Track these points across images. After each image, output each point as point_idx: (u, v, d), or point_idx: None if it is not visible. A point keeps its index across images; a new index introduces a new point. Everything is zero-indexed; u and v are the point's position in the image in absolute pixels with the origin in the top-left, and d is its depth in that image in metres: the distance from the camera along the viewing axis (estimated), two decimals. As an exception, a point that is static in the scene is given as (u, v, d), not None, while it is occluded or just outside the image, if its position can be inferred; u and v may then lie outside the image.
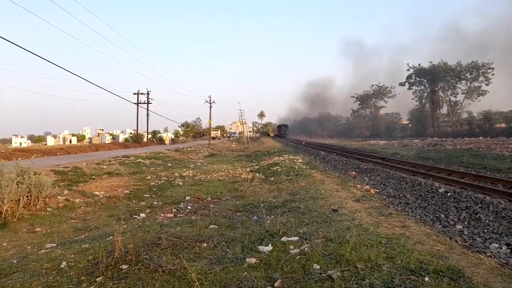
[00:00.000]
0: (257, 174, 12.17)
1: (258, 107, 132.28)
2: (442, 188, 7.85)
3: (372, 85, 63.38)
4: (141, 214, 7.01)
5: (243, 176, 11.97)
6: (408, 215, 6.24)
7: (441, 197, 7.43)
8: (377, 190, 8.71)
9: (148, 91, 37.54)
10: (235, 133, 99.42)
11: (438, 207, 6.88)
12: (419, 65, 51.74)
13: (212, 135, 73.37)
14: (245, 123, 49.91)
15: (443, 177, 9.45)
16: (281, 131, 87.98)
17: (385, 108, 63.26)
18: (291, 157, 19.26)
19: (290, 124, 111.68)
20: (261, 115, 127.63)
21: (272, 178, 10.78)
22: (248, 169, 14.09)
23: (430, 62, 50.97)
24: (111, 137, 68.28)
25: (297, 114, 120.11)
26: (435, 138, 36.17)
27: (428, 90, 51.85)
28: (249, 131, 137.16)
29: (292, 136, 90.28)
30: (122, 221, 6.30)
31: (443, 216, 6.32)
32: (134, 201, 8.23)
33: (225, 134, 76.80)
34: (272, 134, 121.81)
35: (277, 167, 13.65)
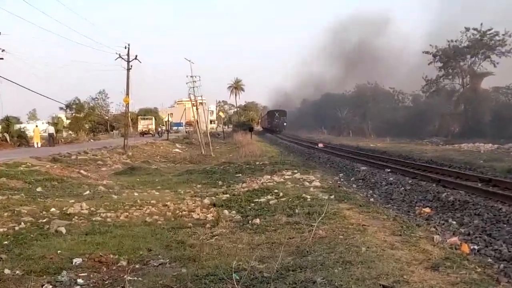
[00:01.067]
0: (226, 212, 12.32)
1: (231, 77, 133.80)
2: None
3: (467, 30, 63.97)
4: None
5: (195, 216, 12.05)
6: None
7: None
8: (475, 247, 8.95)
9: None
10: (180, 124, 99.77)
11: None
12: None
13: (141, 127, 73.31)
14: (201, 103, 49.93)
15: None
16: (273, 122, 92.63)
17: (493, 78, 64.49)
18: (297, 175, 19.62)
19: (293, 110, 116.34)
20: (236, 87, 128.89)
21: (257, 221, 10.89)
22: (207, 200, 14.22)
23: None
24: None
25: (305, 90, 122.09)
26: None
27: None
28: (211, 122, 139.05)
29: (294, 131, 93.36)
30: None
31: None
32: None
33: (162, 127, 76.85)
34: (257, 127, 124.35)
35: (268, 197, 13.94)
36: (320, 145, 42.89)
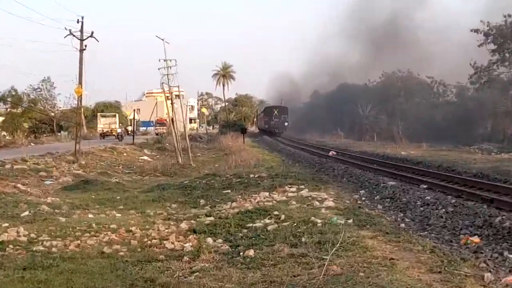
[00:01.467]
0: (209, 240, 12.31)
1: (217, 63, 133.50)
2: None
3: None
4: None
5: (169, 246, 12.03)
6: None
7: None
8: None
9: None
10: (149, 123, 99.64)
11: None
12: None
13: (101, 126, 72.82)
14: (177, 96, 49.86)
15: None
16: (271, 121, 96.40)
17: None
18: (304, 192, 19.66)
19: (300, 106, 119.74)
20: (225, 75, 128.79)
21: (250, 252, 10.87)
22: (184, 225, 14.21)
23: None
24: None
25: (317, 80, 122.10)
26: None
27: None
28: (191, 120, 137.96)
29: (301, 133, 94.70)
30: None
31: None
32: None
33: (128, 127, 76.80)
34: (252, 127, 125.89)
35: (266, 221, 13.99)
36: (332, 153, 42.95)
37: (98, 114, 75.38)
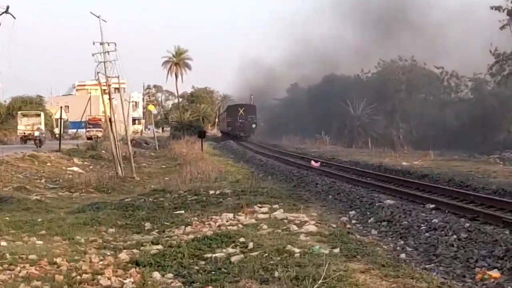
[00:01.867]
0: (156, 275, 12.26)
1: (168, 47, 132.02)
2: None
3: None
4: None
5: (105, 282, 11.88)
6: None
7: None
8: None
9: None
10: (81, 124, 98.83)
11: None
12: None
13: (23, 128, 71.11)
14: (117, 89, 49.60)
15: None
16: (235, 122, 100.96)
17: None
18: (278, 213, 19.68)
19: (276, 103, 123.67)
20: (178, 63, 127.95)
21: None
22: (124, 255, 14.13)
23: None
24: None
25: (301, 68, 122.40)
26: None
27: None
28: (134, 121, 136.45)
29: (276, 137, 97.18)
30: None
31: None
32: None
33: (55, 130, 76.24)
34: (213, 131, 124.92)
35: (230, 250, 14.02)
36: (315, 163, 43.09)
37: (19, 113, 74.58)
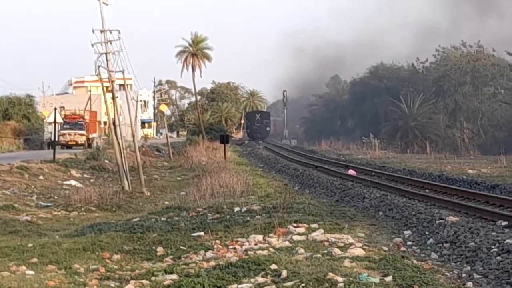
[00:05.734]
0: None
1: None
2: None
3: None
4: None
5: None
6: None
7: None
8: None
9: None
10: (76, 124, 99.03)
11: None
12: None
13: None
14: (122, 86, 49.72)
15: None
16: (253, 126, 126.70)
17: None
18: (318, 234, 19.65)
19: (311, 103, 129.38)
20: (195, 53, 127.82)
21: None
22: (132, 286, 14.13)
23: None
24: None
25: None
26: None
27: None
28: (143, 124, 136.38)
29: (314, 140, 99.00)
30: None
31: None
32: None
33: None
34: (237, 135, 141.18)
35: (259, 280, 13.94)
36: (351, 171, 43.13)
37: None
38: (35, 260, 18.07)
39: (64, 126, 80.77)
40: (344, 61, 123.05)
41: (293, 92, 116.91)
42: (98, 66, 42.37)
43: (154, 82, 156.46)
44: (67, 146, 75.07)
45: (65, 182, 42.62)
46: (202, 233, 21.36)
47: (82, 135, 77.06)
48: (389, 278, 13.75)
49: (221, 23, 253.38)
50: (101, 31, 41.92)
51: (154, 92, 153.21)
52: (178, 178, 49.79)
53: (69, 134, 78.32)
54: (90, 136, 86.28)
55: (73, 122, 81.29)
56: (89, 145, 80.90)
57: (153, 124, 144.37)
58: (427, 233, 21.28)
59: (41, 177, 43.01)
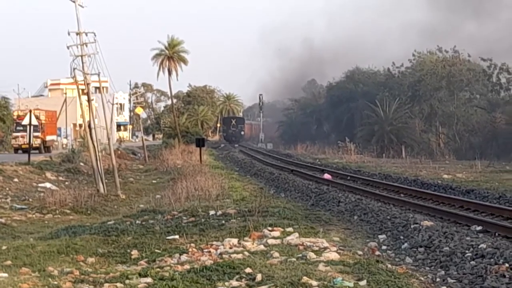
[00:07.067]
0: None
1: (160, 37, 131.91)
2: None
3: None
4: None
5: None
6: None
7: None
8: None
9: None
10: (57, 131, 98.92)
11: None
12: None
13: None
14: (98, 89, 49.67)
15: None
16: (229, 130, 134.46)
17: None
18: (293, 237, 19.73)
19: (286, 106, 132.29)
20: (171, 56, 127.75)
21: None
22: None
23: None
24: None
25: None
26: None
27: None
28: (119, 127, 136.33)
29: (289, 144, 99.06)
30: None
31: None
32: None
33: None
34: (214, 137, 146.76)
35: (234, 284, 13.94)
36: (326, 176, 43.26)
37: None
38: (9, 262, 18.04)
39: (17, 128, 76.59)
40: (324, 66, 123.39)
41: (270, 96, 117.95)
42: (74, 69, 42.36)
43: (130, 85, 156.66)
44: (22, 149, 70.39)
45: (40, 185, 42.52)
46: (177, 236, 21.38)
47: (37, 137, 70.63)
48: (363, 283, 13.81)
49: (197, 26, 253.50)
50: (77, 33, 41.87)
51: (130, 95, 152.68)
52: (153, 181, 49.78)
53: (22, 137, 72.32)
54: (47, 138, 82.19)
55: (22, 123, 69.08)
56: (47, 149, 78.39)
57: (129, 127, 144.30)
58: (402, 237, 21.39)
59: (15, 180, 42.89)
